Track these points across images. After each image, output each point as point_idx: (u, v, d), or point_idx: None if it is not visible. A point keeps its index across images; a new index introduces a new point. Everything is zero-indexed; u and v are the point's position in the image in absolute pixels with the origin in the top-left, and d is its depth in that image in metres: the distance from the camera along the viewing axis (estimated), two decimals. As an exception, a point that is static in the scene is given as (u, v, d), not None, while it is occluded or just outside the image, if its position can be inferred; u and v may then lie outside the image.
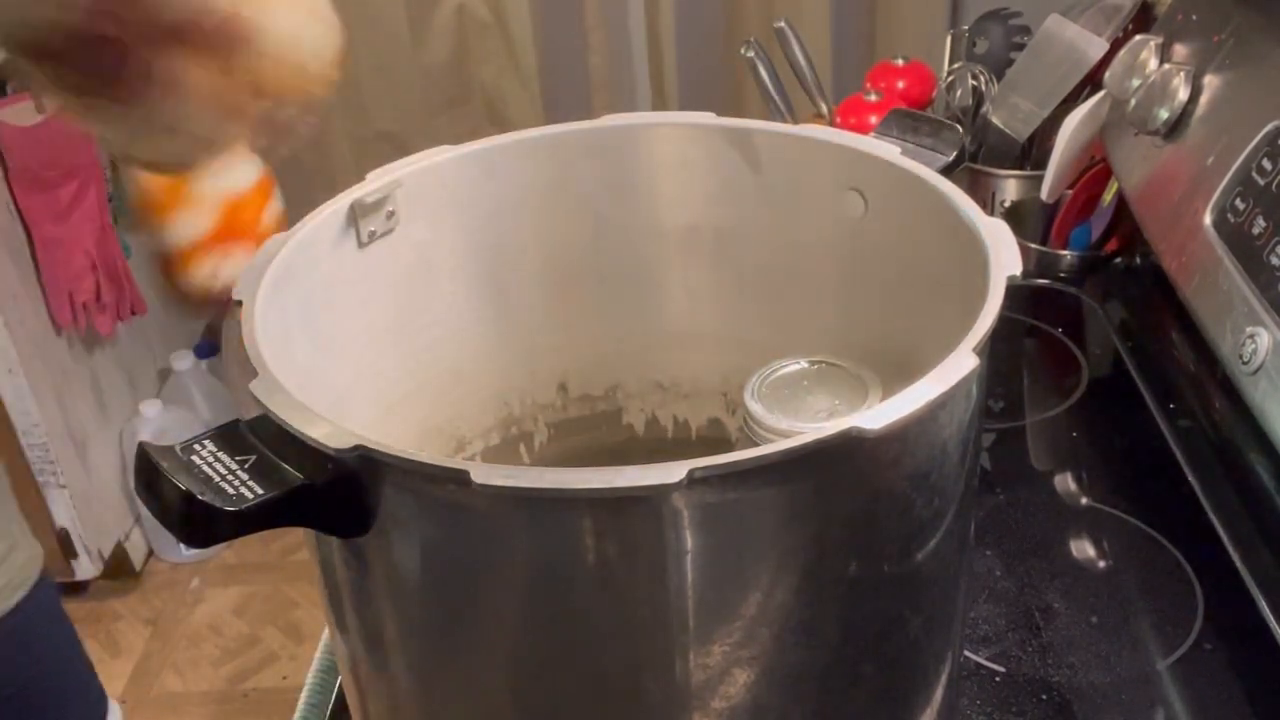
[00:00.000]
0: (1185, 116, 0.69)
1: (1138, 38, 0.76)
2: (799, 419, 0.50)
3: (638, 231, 0.57)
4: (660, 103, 1.88)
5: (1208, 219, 0.63)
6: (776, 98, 0.97)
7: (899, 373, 0.52)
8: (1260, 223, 0.59)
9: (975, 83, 1.02)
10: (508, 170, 0.53)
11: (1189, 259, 0.64)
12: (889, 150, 0.50)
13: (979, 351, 0.37)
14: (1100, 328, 0.83)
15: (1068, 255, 0.88)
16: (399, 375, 0.54)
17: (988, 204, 0.99)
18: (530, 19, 1.86)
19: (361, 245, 0.50)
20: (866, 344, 0.53)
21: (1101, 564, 0.64)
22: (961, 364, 0.37)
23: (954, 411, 0.39)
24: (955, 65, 1.01)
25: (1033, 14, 1.05)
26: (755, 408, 0.51)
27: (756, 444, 0.50)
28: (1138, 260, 0.87)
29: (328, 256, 0.48)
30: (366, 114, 1.97)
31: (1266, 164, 0.60)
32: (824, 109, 1.01)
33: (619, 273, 0.58)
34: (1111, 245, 0.88)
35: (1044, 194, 0.85)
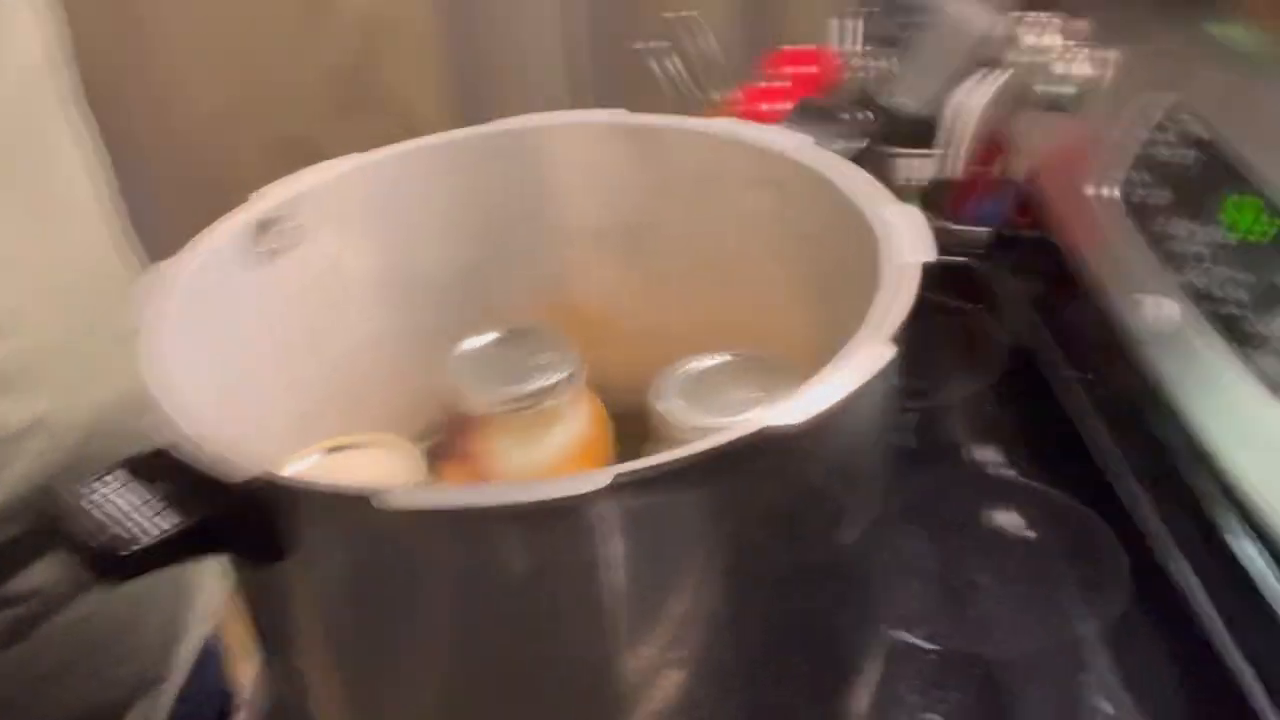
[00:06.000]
0: (1085, 94, 0.70)
1: (1035, 14, 0.77)
2: (719, 414, 0.49)
3: (548, 232, 0.56)
4: (574, 93, 1.87)
5: (1109, 193, 0.64)
6: (684, 87, 0.97)
7: (821, 362, 0.53)
8: (1160, 196, 0.60)
9: (877, 64, 1.02)
10: (413, 177, 0.53)
11: (1092, 233, 0.65)
12: (799, 143, 0.50)
13: (896, 339, 0.37)
14: (1016, 302, 0.85)
15: (980, 231, 0.89)
16: (312, 389, 0.53)
17: (899, 185, 1.00)
18: (434, 15, 1.83)
19: (267, 261, 0.49)
20: (787, 335, 0.53)
21: (1028, 537, 0.65)
22: (878, 354, 0.37)
23: (872, 400, 0.39)
24: (856, 48, 1.01)
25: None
26: (672, 404, 0.50)
27: (674, 441, 0.50)
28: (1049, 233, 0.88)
29: (233, 275, 0.47)
30: (270, 119, 1.93)
31: (1164, 138, 0.61)
32: (730, 96, 1.01)
33: (531, 273, 0.57)
34: (1024, 218, 0.89)
35: (948, 172, 0.86)
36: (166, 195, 1.89)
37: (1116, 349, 0.71)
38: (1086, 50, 0.71)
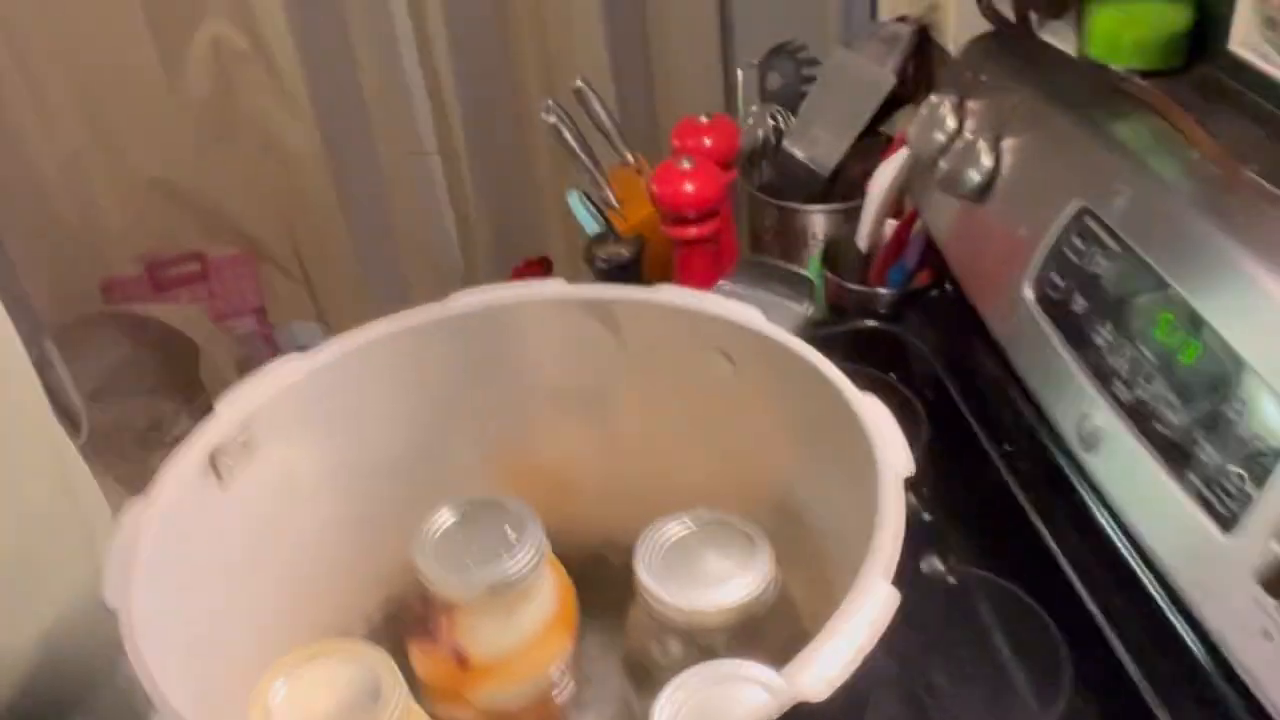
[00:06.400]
0: (991, 182, 0.72)
1: (933, 97, 0.78)
2: (696, 590, 0.50)
3: (502, 401, 0.56)
4: (443, 123, 1.84)
5: (1028, 293, 0.66)
6: (584, 157, 0.97)
7: (778, 514, 0.53)
8: (1079, 301, 0.62)
9: (774, 121, 1.04)
10: (362, 371, 0.51)
11: (1015, 330, 0.67)
12: (750, 315, 0.50)
13: (892, 578, 0.38)
14: (927, 366, 0.87)
15: (886, 293, 0.91)
16: (269, 598, 0.52)
17: (801, 240, 1.01)
18: (293, 43, 1.78)
19: (221, 488, 0.47)
20: (744, 490, 0.54)
21: (974, 630, 0.68)
22: (884, 601, 0.37)
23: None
24: (753, 108, 1.02)
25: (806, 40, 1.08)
26: (648, 582, 0.51)
27: (656, 620, 0.50)
28: (948, 288, 0.91)
29: (192, 515, 0.45)
30: (128, 162, 1.86)
31: (1077, 242, 0.63)
32: (630, 158, 1.01)
33: (486, 441, 0.57)
34: (924, 278, 0.91)
35: (860, 243, 0.88)
36: (21, 246, 1.80)
37: (1032, 417, 0.73)
38: (988, 139, 0.73)
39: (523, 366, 0.54)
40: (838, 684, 0.35)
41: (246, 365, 1.85)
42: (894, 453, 0.42)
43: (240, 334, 2.00)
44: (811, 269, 1.01)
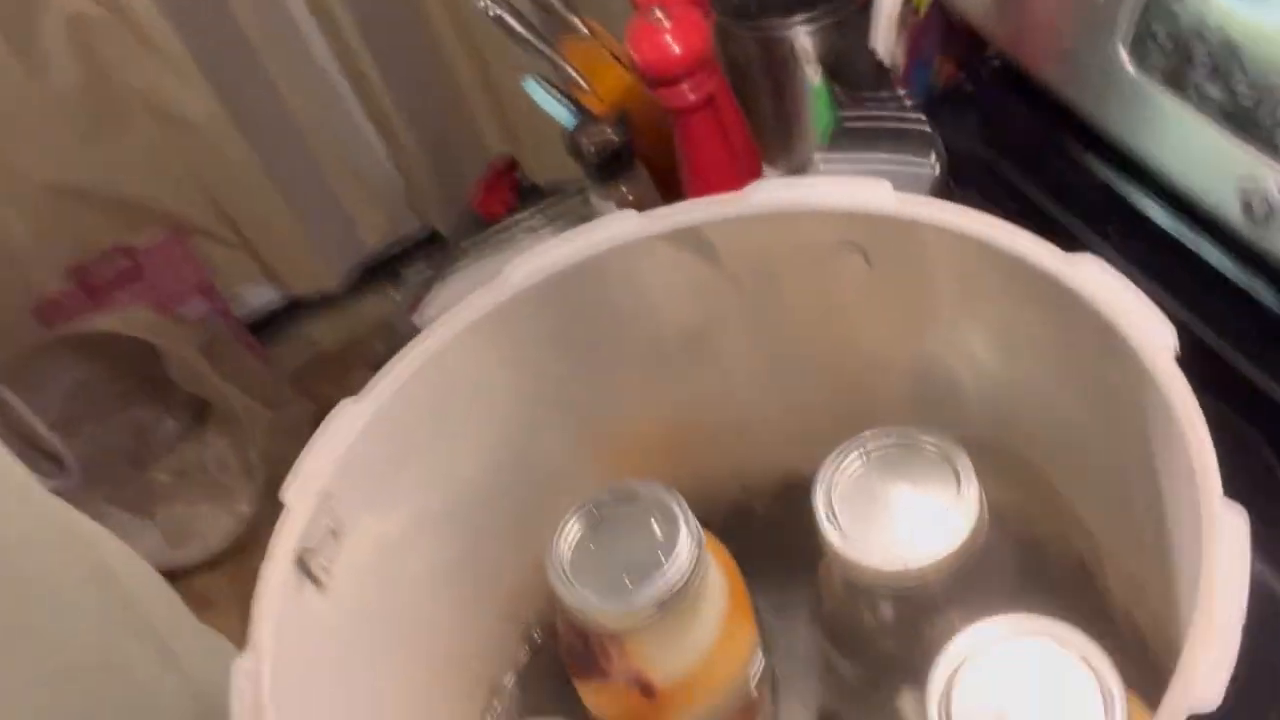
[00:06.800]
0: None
1: None
2: (901, 540, 0.41)
3: (595, 375, 0.46)
4: (338, 43, 1.69)
5: (1127, 62, 0.56)
6: (536, 40, 0.84)
7: (959, 424, 0.44)
8: (1200, 57, 0.52)
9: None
10: (431, 391, 0.41)
11: (1121, 108, 0.58)
12: (878, 196, 0.40)
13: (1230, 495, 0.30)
14: (987, 173, 0.77)
15: (917, 101, 0.81)
16: (403, 673, 0.43)
17: (794, 66, 0.90)
18: (155, 3, 1.61)
19: (322, 591, 0.38)
20: (909, 405, 0.45)
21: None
22: (1240, 529, 0.29)
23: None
24: (705, -70, 0.90)
25: None
26: (842, 546, 0.41)
27: (859, 585, 0.42)
28: (981, 75, 0.80)
29: (302, 639, 0.36)
30: (16, 173, 1.70)
31: (1172, -10, 0.53)
32: (583, 28, 0.88)
33: (586, 423, 0.47)
34: (950, 70, 0.81)
35: (880, 52, 0.77)
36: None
37: (1133, 192, 0.64)
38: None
39: (611, 326, 0.45)
40: (1223, 689, 0.26)
41: (211, 349, 1.71)
42: (1146, 323, 0.33)
43: (195, 318, 1.88)
44: (819, 98, 0.90)
